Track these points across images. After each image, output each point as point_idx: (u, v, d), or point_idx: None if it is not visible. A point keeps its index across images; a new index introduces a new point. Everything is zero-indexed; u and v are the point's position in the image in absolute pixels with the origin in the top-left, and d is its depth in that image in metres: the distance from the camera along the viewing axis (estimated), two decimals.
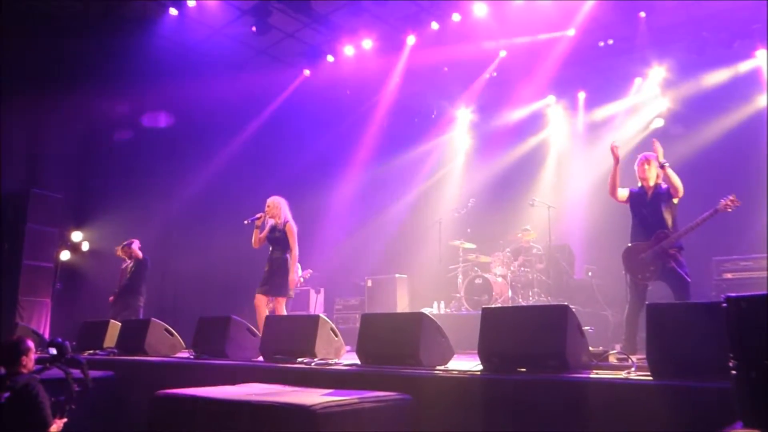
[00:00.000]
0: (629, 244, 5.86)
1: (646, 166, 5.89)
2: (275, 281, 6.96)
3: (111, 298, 8.79)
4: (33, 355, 4.08)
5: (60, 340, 4.17)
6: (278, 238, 7.05)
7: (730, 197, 5.50)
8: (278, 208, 7.14)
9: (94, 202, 10.46)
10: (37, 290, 9.32)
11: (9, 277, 9.21)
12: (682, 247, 5.65)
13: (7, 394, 3.63)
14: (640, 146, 10.79)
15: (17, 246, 9.29)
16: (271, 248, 7.13)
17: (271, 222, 7.11)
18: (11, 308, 8.97)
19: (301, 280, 9.80)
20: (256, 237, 7.17)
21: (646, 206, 5.83)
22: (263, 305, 7.00)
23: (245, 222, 7.24)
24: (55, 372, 4.10)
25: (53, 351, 4.07)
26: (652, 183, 5.87)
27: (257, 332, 5.57)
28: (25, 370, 4.00)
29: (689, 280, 5.51)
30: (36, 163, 10.13)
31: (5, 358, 3.97)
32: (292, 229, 7.05)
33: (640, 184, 5.99)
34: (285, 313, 7.12)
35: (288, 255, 7.02)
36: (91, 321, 7.47)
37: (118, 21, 10.17)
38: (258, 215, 7.14)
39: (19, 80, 9.57)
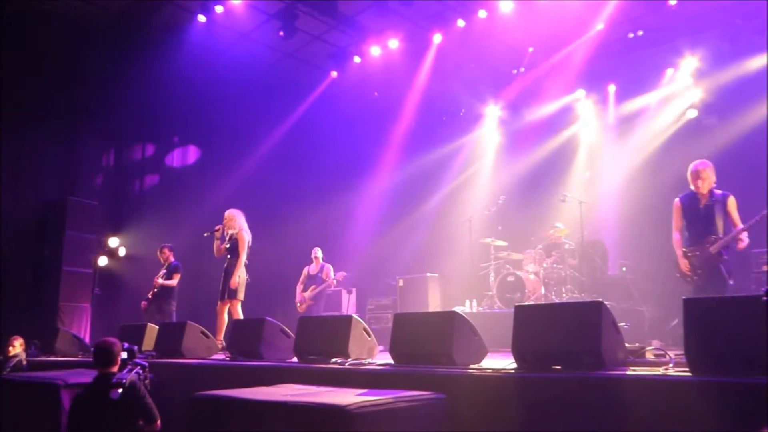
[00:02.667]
0: (683, 250, 5.99)
1: (703, 173, 5.89)
2: (228, 287, 7.65)
3: (144, 303, 8.93)
4: None
5: (128, 345, 4.38)
6: (232, 247, 7.74)
7: None
8: (234, 220, 7.82)
9: (130, 208, 10.68)
10: (76, 295, 9.54)
11: (50, 283, 9.45)
12: (728, 247, 5.77)
13: (120, 391, 3.84)
14: (673, 138, 10.63)
15: (57, 253, 9.52)
16: (228, 256, 7.77)
17: (230, 233, 7.77)
18: (53, 313, 9.20)
19: (335, 282, 9.84)
20: (217, 247, 7.84)
21: (699, 212, 5.94)
22: (222, 312, 7.67)
23: (205, 234, 7.90)
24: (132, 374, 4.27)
25: (124, 355, 4.28)
26: (705, 191, 5.92)
27: (291, 333, 5.62)
28: (116, 369, 4.21)
29: (731, 282, 5.69)
30: (73, 171, 10.38)
31: (107, 359, 4.22)
32: (243, 237, 7.70)
33: (692, 188, 6.01)
34: (241, 315, 7.64)
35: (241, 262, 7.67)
36: (130, 325, 7.61)
37: (148, 30, 10.36)
38: (217, 227, 7.82)
39: (55, 92, 9.83)
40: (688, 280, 5.88)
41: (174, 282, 8.88)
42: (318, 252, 9.99)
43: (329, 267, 9.87)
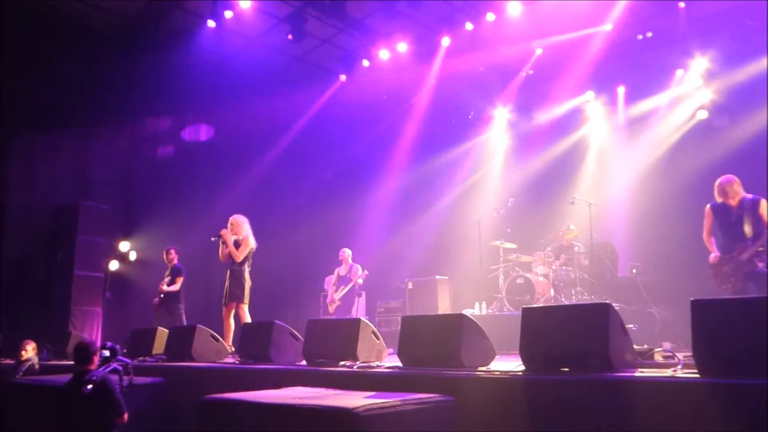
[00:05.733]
0: (717, 257, 6.12)
1: (728, 189, 6.04)
2: (233, 291, 7.71)
3: (156, 300, 9.04)
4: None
5: (110, 344, 4.67)
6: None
7: None
8: (239, 226, 7.89)
9: (140, 213, 10.74)
10: (88, 299, 9.61)
11: (62, 287, 9.53)
12: (765, 252, 5.84)
13: (90, 387, 4.14)
14: (683, 139, 10.57)
15: (69, 257, 9.60)
16: (231, 261, 7.82)
17: (234, 238, 7.82)
18: (64, 317, 9.27)
19: (359, 281, 9.93)
20: (222, 251, 7.86)
21: (730, 220, 6.06)
22: (228, 316, 7.72)
23: (212, 239, 7.93)
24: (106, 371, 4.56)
25: (106, 353, 4.58)
26: (735, 203, 6.04)
27: (300, 336, 5.65)
28: (93, 367, 4.50)
29: None
30: (85, 176, 10.46)
31: (83, 357, 4.55)
32: (249, 242, 7.83)
33: (721, 200, 6.15)
34: (248, 317, 7.70)
35: (245, 266, 7.77)
36: (140, 329, 7.67)
37: (158, 37, 10.45)
38: (222, 232, 7.86)
39: (68, 97, 9.92)
40: (723, 287, 5.99)
41: (177, 287, 8.95)
42: (344, 253, 10.15)
43: (357, 267, 10.04)
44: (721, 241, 6.15)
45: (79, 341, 4.84)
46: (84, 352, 4.56)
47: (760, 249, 5.77)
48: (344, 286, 9.88)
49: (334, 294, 9.98)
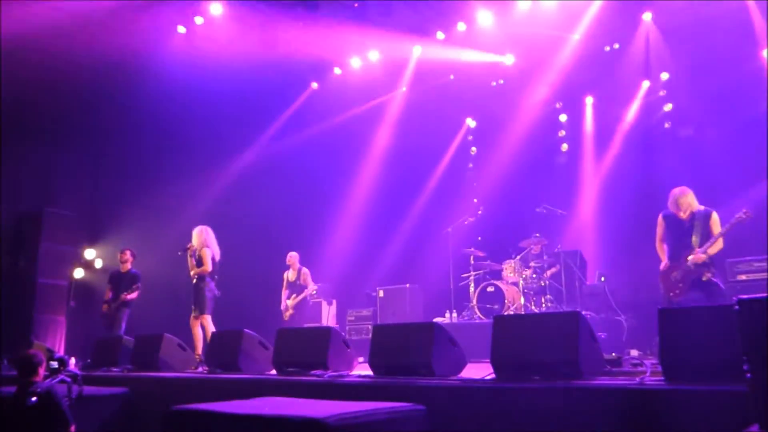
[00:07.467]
0: (667, 264, 6.19)
1: (681, 200, 6.12)
2: (198, 301, 7.79)
3: (105, 307, 8.70)
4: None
5: (59, 355, 4.78)
6: (198, 264, 7.88)
7: (743, 211, 5.82)
8: (199, 237, 7.90)
9: (107, 220, 10.55)
10: (51, 308, 9.40)
11: (25, 295, 9.30)
12: (711, 262, 5.94)
13: (34, 399, 4.12)
14: (649, 149, 10.77)
15: (32, 264, 9.38)
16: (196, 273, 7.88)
17: (195, 249, 7.89)
18: (27, 326, 9.05)
19: (314, 290, 9.79)
20: (191, 264, 7.89)
21: (680, 229, 6.14)
22: (195, 326, 7.74)
23: (179, 253, 7.98)
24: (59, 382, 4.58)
25: (54, 364, 4.67)
26: (686, 216, 6.12)
27: (269, 345, 5.59)
28: (39, 379, 4.44)
29: (723, 287, 5.94)
30: (50, 182, 10.24)
31: (26, 369, 4.48)
32: (206, 253, 7.84)
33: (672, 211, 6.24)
34: (212, 327, 7.68)
35: (208, 277, 7.80)
36: (105, 338, 7.51)
37: (127, 41, 10.28)
38: (188, 245, 7.90)
39: (32, 102, 9.71)
40: (671, 294, 6.04)
41: (136, 294, 8.65)
42: (292, 257, 9.83)
43: (307, 272, 9.72)
44: (670, 248, 6.22)
45: (23, 353, 4.74)
46: (28, 364, 4.50)
47: (706, 257, 5.85)
48: (297, 294, 9.59)
49: (287, 301, 9.67)
